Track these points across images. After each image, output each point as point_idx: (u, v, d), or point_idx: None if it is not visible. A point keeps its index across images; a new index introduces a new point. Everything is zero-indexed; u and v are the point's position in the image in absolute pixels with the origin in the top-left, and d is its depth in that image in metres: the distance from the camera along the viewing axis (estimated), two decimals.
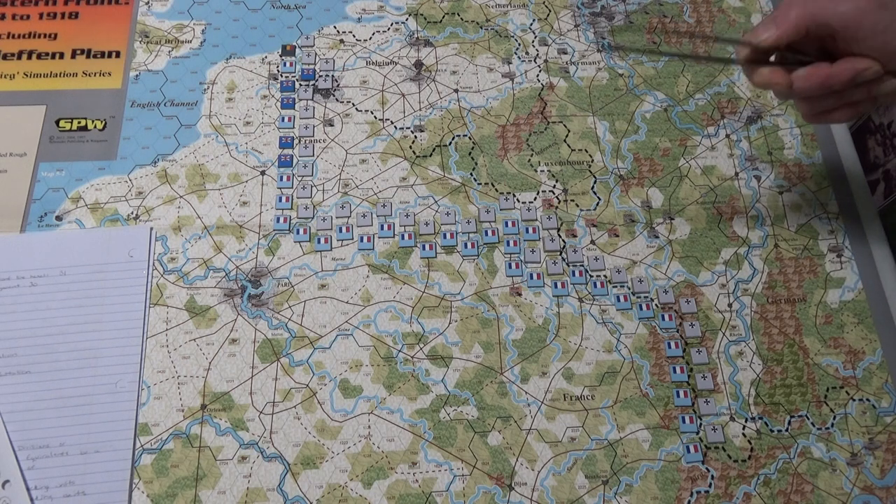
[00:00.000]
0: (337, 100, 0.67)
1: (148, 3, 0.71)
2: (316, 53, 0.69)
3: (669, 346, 0.58)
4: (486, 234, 0.62)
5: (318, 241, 0.61)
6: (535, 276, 0.60)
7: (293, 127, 0.66)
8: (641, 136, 0.67)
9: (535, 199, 0.64)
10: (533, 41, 0.71)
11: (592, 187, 0.64)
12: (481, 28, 0.71)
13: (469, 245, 0.61)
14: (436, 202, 0.63)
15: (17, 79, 0.66)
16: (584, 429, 0.55)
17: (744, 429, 0.56)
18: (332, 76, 0.68)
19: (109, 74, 0.67)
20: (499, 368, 0.57)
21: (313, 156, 0.65)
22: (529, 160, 0.65)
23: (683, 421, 0.56)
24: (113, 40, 0.69)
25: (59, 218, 0.61)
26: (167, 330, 0.57)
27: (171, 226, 0.61)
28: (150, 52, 0.68)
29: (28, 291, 0.58)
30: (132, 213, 0.62)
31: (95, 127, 0.65)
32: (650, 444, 0.55)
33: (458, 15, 0.72)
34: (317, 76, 0.68)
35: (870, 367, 0.58)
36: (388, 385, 0.56)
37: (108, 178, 0.63)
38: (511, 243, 0.62)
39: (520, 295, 0.60)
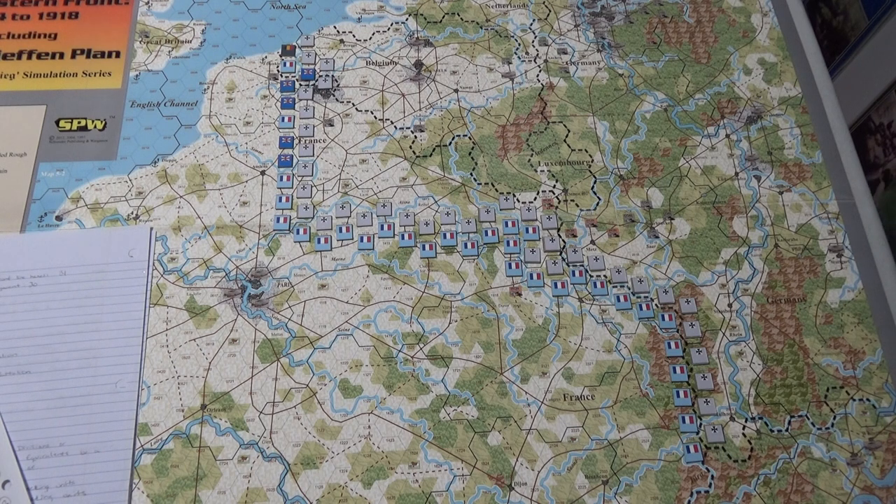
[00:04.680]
0: (337, 100, 0.67)
1: (148, 3, 0.71)
2: (316, 53, 0.69)
3: (669, 346, 0.58)
4: (486, 234, 0.62)
5: (318, 241, 0.61)
6: (535, 276, 0.60)
7: (293, 127, 0.66)
8: (641, 136, 0.67)
9: (535, 199, 0.64)
10: (533, 41, 0.71)
11: (592, 187, 0.64)
12: (481, 28, 0.71)
13: (469, 245, 0.61)
14: (436, 202, 0.63)
15: (17, 79, 0.66)
16: (584, 429, 0.55)
17: (744, 429, 0.56)
18: (332, 76, 0.68)
19: (109, 74, 0.67)
20: (499, 368, 0.57)
21: (313, 156, 0.65)
22: (529, 160, 0.65)
23: (683, 421, 0.56)
24: (113, 40, 0.69)
25: (59, 218, 0.61)
26: (167, 330, 0.57)
27: (171, 226, 0.61)
28: (150, 52, 0.68)
29: (28, 291, 0.58)
30: (132, 213, 0.62)
31: (95, 127, 0.65)
32: (650, 444, 0.55)
33: (458, 15, 0.72)
34: (317, 76, 0.68)
35: (870, 367, 0.58)
36: (388, 385, 0.56)
37: (108, 178, 0.63)
38: (511, 243, 0.62)
39: (520, 295, 0.60)
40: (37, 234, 0.60)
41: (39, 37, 0.68)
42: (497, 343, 0.58)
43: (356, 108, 0.67)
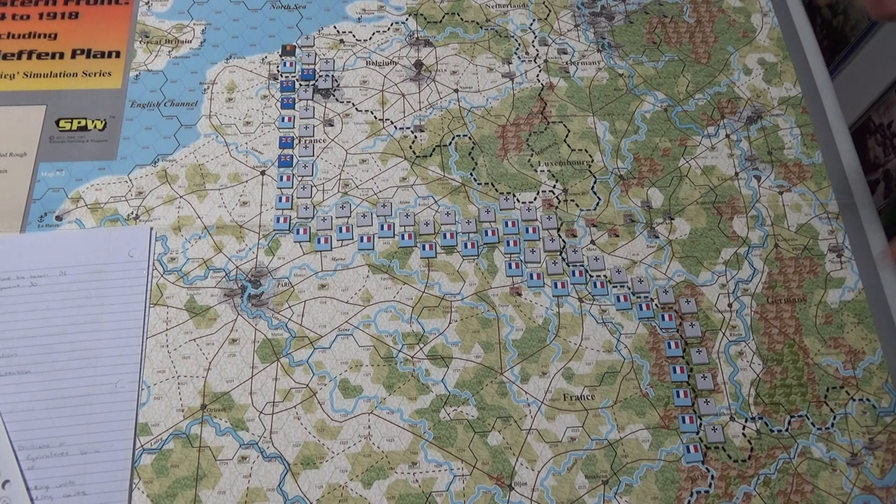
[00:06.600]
0: (337, 100, 0.67)
1: (148, 3, 0.71)
2: (316, 53, 0.69)
3: (669, 346, 0.58)
4: (486, 234, 0.62)
5: (318, 241, 0.61)
6: (535, 276, 0.60)
7: (293, 127, 0.66)
8: (641, 136, 0.67)
9: (535, 199, 0.64)
10: (533, 41, 0.71)
11: (592, 187, 0.64)
12: (481, 28, 0.71)
13: (469, 245, 0.61)
14: (436, 202, 0.63)
15: (17, 79, 0.66)
16: (584, 429, 0.55)
17: (744, 429, 0.56)
18: (332, 76, 0.68)
19: (109, 74, 0.67)
20: (499, 368, 0.57)
21: (313, 156, 0.65)
22: (529, 160, 0.65)
23: (683, 421, 0.56)
24: (113, 40, 0.69)
25: (59, 218, 0.61)
26: (167, 330, 0.57)
27: (171, 226, 0.61)
28: (150, 52, 0.68)
29: (28, 291, 0.58)
30: (132, 213, 0.62)
31: (95, 127, 0.65)
32: (650, 444, 0.55)
33: (458, 15, 0.72)
34: (317, 76, 0.68)
35: (870, 367, 0.58)
36: (388, 385, 0.56)
37: (108, 178, 0.63)
38: (511, 243, 0.62)
39: (520, 295, 0.60)
40: (37, 234, 0.60)
41: (39, 37, 0.68)
42: (497, 343, 0.58)
43: (356, 108, 0.67)
